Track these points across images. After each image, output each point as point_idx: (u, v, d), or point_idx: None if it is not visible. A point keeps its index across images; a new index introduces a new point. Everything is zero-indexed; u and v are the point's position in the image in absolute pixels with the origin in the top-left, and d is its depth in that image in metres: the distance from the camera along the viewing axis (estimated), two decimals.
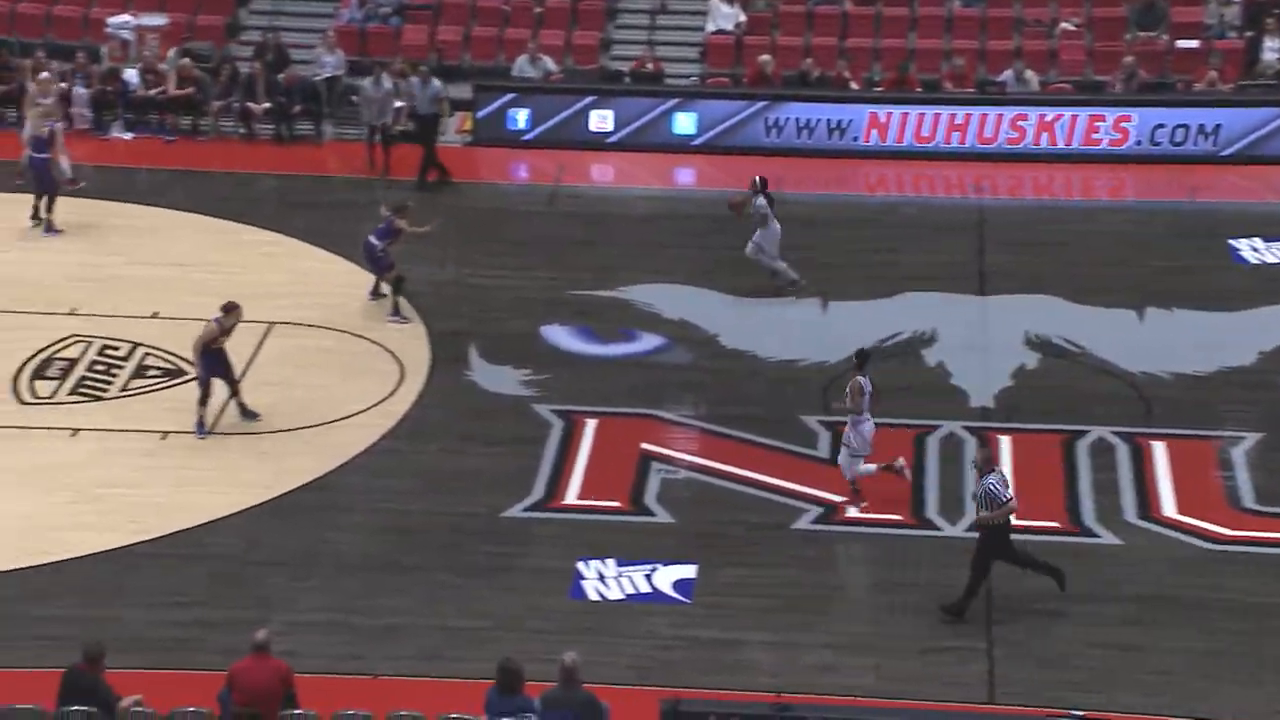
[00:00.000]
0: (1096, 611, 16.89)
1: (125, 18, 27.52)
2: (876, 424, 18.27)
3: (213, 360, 19.05)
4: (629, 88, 27.75)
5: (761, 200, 22.32)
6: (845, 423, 18.38)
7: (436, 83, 25.47)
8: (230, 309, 19.04)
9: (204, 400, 19.13)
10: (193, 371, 19.72)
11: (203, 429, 19.15)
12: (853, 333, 21.55)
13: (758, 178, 22.55)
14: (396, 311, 21.64)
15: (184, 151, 26.13)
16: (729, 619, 16.92)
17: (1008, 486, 16.59)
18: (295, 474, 18.77)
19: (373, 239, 21.57)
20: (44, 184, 23.35)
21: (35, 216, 23.42)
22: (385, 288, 21.83)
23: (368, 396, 20.10)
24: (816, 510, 18.48)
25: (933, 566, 17.54)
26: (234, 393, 19.33)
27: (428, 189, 25.16)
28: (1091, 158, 26.78)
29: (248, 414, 19.42)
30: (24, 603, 16.62)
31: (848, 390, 18.31)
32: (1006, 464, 18.79)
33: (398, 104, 25.53)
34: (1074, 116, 26.81)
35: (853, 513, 18.37)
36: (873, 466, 18.43)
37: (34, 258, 22.67)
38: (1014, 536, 16.70)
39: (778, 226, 22.43)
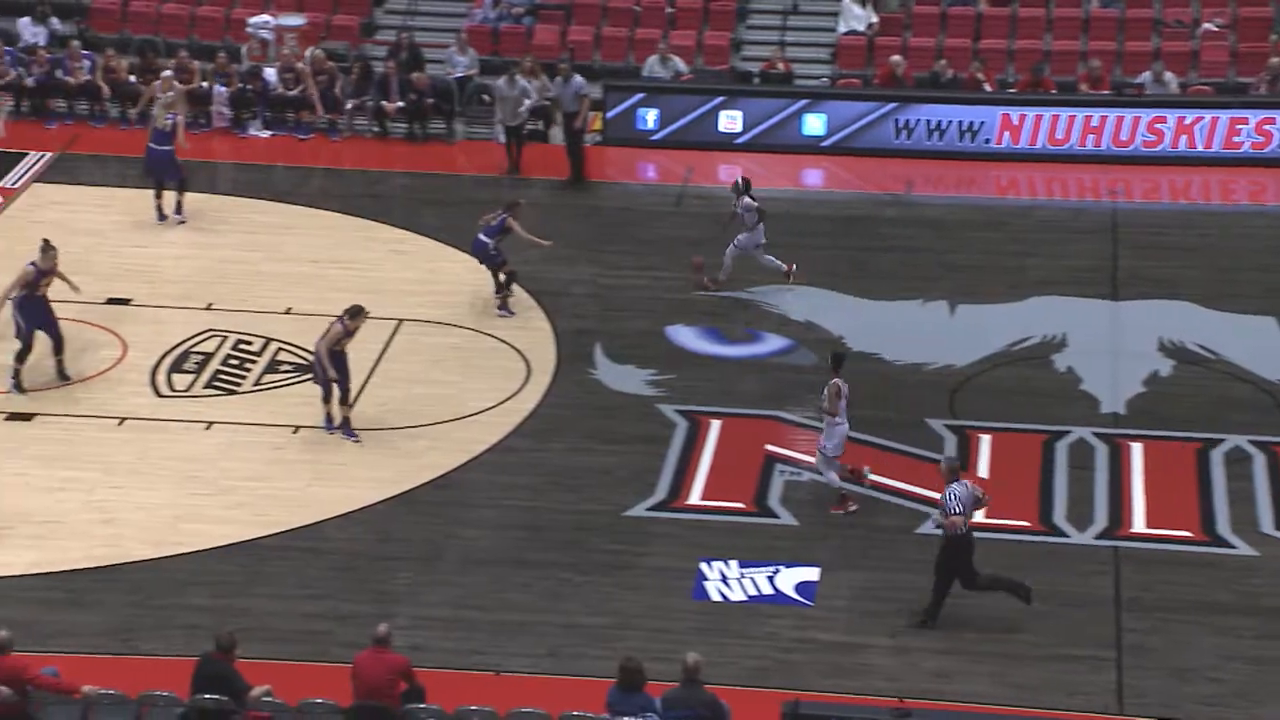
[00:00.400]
0: (1232, 624, 16.60)
1: (265, 18, 27.97)
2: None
3: (337, 361, 19.25)
4: (759, 88, 27.72)
5: (747, 200, 22.09)
6: (974, 427, 18.24)
7: (578, 79, 25.58)
8: (356, 312, 19.25)
9: (327, 399, 19.38)
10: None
11: (331, 424, 19.41)
12: (981, 336, 21.39)
13: (740, 178, 22.40)
14: (504, 306, 21.76)
15: (318, 149, 26.51)
16: (851, 622, 16.87)
17: (962, 501, 16.32)
18: (422, 470, 18.98)
19: (483, 236, 21.72)
20: (170, 174, 23.78)
21: (161, 211, 23.80)
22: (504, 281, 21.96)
23: (494, 394, 20.27)
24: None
25: (1059, 573, 17.36)
26: (344, 398, 19.43)
27: (567, 188, 25.25)
28: (1232, 161, 26.29)
29: (349, 432, 19.48)
30: (160, 592, 16.97)
31: (825, 392, 18.25)
32: (1139, 472, 18.57)
33: (527, 102, 25.67)
34: (1214, 119, 26.35)
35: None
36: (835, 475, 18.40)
37: (173, 252, 23.11)
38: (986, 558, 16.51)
39: (762, 229, 22.24)
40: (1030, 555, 17.76)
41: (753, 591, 17.36)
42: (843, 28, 29.01)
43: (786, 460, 19.37)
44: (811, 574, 17.51)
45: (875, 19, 28.93)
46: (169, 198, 23.88)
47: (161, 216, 23.77)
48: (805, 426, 19.99)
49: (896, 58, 27.70)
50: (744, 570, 17.62)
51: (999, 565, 17.64)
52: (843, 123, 26.87)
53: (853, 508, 18.35)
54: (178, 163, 23.82)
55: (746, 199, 22.26)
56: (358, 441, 19.31)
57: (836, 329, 21.95)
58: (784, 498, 18.76)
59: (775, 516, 18.49)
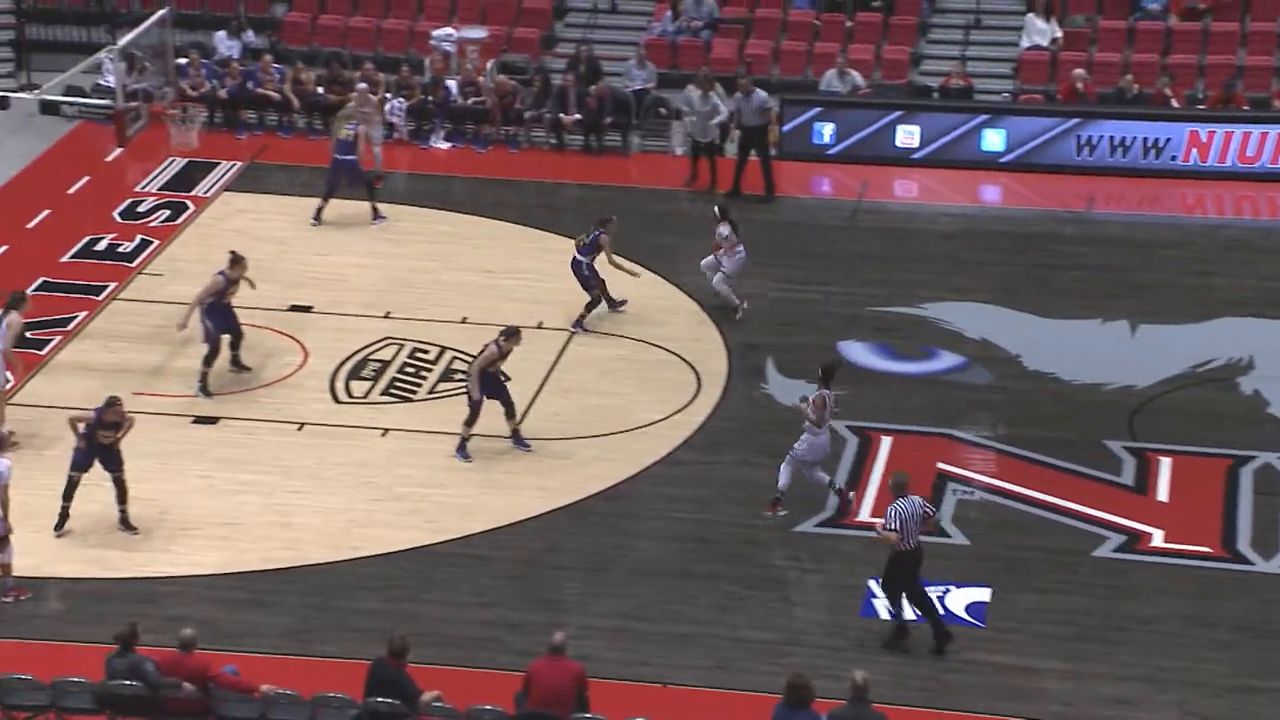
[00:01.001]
0: None
1: (448, 30, 28.36)
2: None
3: (489, 382, 19.38)
4: (937, 103, 27.46)
5: (726, 228, 21.66)
6: (1154, 450, 17.87)
7: (761, 94, 25.53)
8: (511, 334, 19.38)
9: (471, 421, 19.35)
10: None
11: (464, 451, 19.39)
12: (1164, 357, 20.94)
13: (718, 206, 21.96)
14: (580, 322, 21.76)
15: (496, 161, 26.82)
16: (1022, 645, 16.62)
17: (902, 518, 16.04)
18: (593, 480, 19.08)
19: (578, 254, 21.73)
20: (351, 181, 24.20)
21: (318, 217, 24.23)
22: (613, 302, 22.00)
23: (665, 406, 20.31)
24: (1119, 538, 18.00)
25: (1243, 601, 16.91)
26: (509, 413, 19.49)
27: (753, 201, 25.19)
28: None
29: (521, 442, 19.58)
30: (336, 595, 17.26)
31: (810, 401, 18.14)
32: None
33: (718, 118, 25.66)
34: None
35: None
36: (825, 476, 18.48)
37: (354, 261, 23.52)
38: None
39: (743, 253, 21.81)
40: (1213, 582, 17.34)
41: (923, 610, 17.16)
42: (1025, 42, 28.63)
43: (959, 479, 19.14)
44: (983, 594, 17.27)
45: (1059, 34, 28.51)
46: (355, 206, 24.29)
47: (317, 219, 24.23)
48: (980, 445, 19.76)
49: (1079, 71, 27.26)
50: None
51: (1180, 592, 17.27)
52: (1023, 138, 26.51)
53: (782, 513, 18.33)
54: (359, 170, 24.26)
55: (724, 227, 21.78)
56: (530, 450, 19.46)
57: (1012, 347, 21.64)
58: (956, 517, 18.53)
59: (947, 536, 18.27)
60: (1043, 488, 18.85)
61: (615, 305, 22.14)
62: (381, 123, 26.01)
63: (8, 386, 19.43)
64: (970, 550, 18.01)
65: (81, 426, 17.83)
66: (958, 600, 17.24)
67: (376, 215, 24.36)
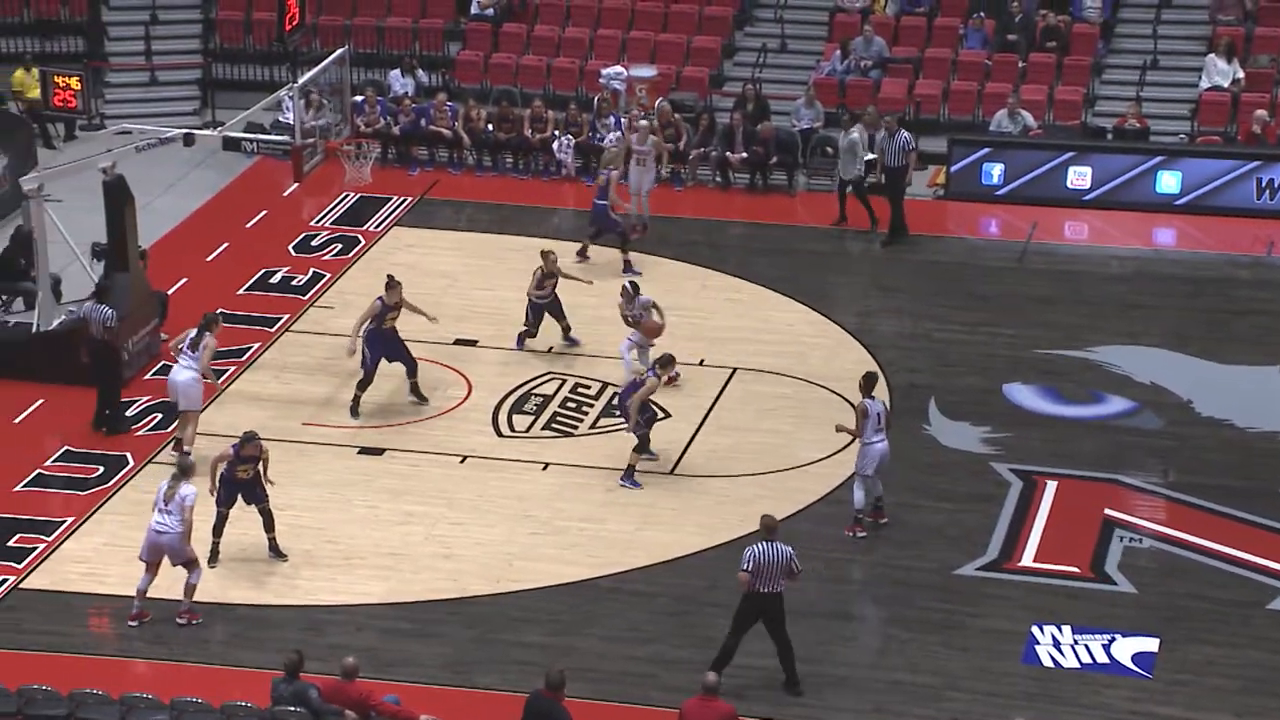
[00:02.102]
0: None
1: (618, 69, 28.60)
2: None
3: (646, 412, 19.56)
4: (1111, 144, 27.04)
5: (644, 300, 21.08)
6: None
7: (904, 134, 25.42)
8: (667, 363, 19.67)
9: (640, 448, 19.60)
10: (657, 413, 20.30)
11: (631, 479, 19.59)
12: None
13: (628, 283, 21.52)
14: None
15: (661, 197, 26.91)
16: (1192, 698, 16.28)
17: (756, 560, 15.98)
18: (752, 519, 18.97)
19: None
20: (606, 227, 24.16)
21: (583, 253, 24.37)
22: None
23: (825, 445, 20.21)
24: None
25: None
26: (639, 446, 19.65)
27: (893, 242, 25.15)
28: None
29: (647, 452, 19.80)
30: (496, 628, 17.40)
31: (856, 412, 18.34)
32: None
33: (869, 156, 25.59)
34: None
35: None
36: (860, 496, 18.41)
37: (518, 296, 23.65)
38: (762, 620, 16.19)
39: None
40: None
41: (1086, 659, 16.89)
42: (1205, 83, 28.10)
43: (1127, 526, 18.77)
44: (1150, 645, 16.93)
45: (1241, 74, 27.93)
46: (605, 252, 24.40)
47: (585, 259, 24.31)
48: (1149, 491, 19.38)
49: (1261, 113, 26.69)
50: (1078, 636, 17.16)
51: None
52: (1199, 181, 26.03)
53: (860, 534, 18.28)
54: (613, 217, 24.23)
55: (642, 300, 21.34)
56: (639, 488, 19.48)
57: (1184, 392, 21.22)
58: (1123, 564, 18.20)
59: (1113, 583, 17.96)
60: (1215, 537, 18.44)
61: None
62: (655, 166, 25.65)
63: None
64: (1137, 599, 17.67)
65: (222, 466, 18.21)
66: (1123, 649, 16.92)
67: (627, 267, 23.99)
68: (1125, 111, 27.47)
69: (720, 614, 17.57)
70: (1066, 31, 29.17)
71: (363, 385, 20.82)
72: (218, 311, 20.87)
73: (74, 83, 23.21)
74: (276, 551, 18.40)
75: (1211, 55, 28.21)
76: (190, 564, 17.35)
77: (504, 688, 16.29)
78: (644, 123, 25.69)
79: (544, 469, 20.00)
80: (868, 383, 18.56)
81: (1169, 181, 26.18)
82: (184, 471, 17.53)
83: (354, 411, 20.82)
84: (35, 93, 26.79)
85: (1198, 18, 29.61)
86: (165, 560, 17.39)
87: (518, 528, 18.92)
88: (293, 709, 15.08)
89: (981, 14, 29.41)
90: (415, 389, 21.07)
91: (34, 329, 21.87)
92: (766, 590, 16.14)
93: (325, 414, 21.01)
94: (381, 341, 20.79)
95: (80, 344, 20.70)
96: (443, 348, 22.38)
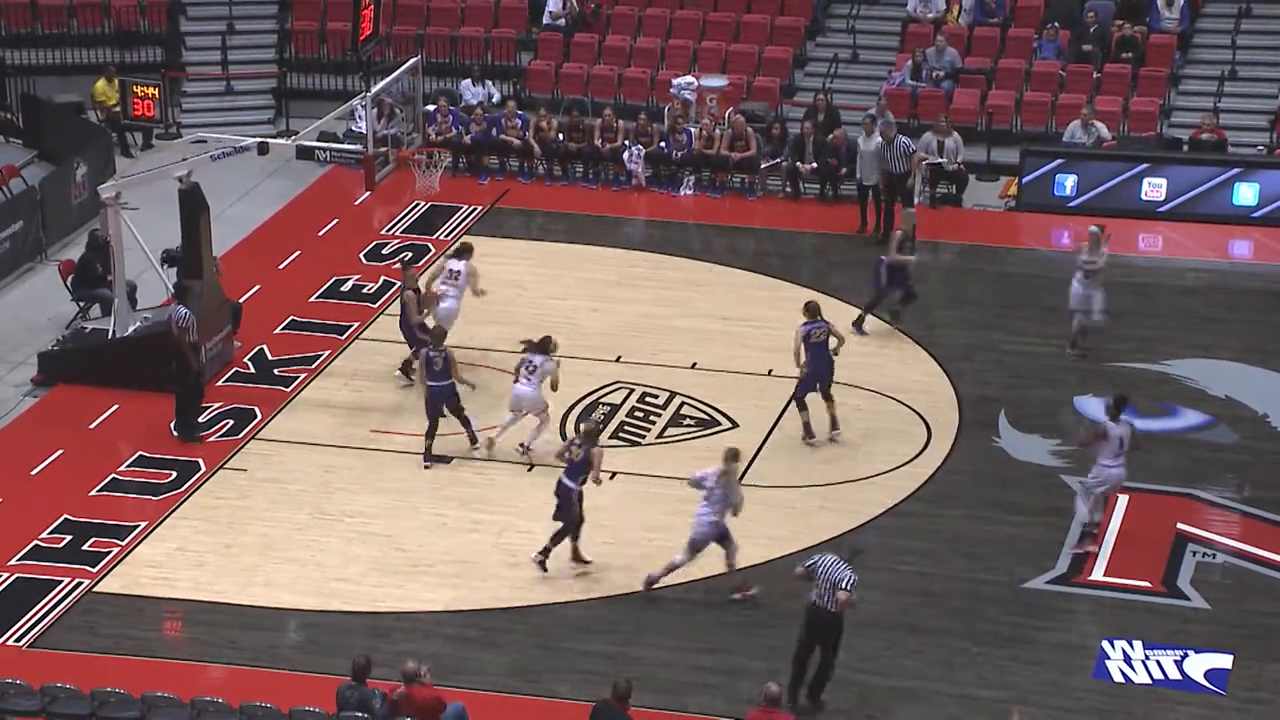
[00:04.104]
0: None
1: (689, 79, 28.61)
2: None
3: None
4: (1186, 156, 26.79)
5: (546, 362, 20.15)
6: None
7: (903, 139, 25.39)
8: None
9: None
10: (724, 424, 20.29)
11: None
12: None
13: (537, 341, 20.51)
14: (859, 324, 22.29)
15: (733, 208, 26.94)
16: (1269, 716, 16.11)
17: (815, 563, 16.09)
18: (818, 530, 18.97)
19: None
20: (893, 282, 22.81)
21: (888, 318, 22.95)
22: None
23: (894, 457, 20.11)
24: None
25: None
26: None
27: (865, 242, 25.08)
28: None
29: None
30: (561, 636, 17.43)
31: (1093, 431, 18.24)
32: None
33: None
34: None
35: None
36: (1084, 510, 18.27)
37: (589, 305, 23.80)
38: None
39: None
40: None
41: (1158, 675, 16.73)
42: None
43: (1200, 541, 18.56)
44: (1224, 661, 16.74)
45: None
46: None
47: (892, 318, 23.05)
48: (1223, 506, 19.16)
49: None
50: (1149, 652, 16.99)
51: None
52: (1278, 193, 25.70)
53: (1091, 548, 18.11)
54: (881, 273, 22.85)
55: (547, 361, 20.17)
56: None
57: (1259, 406, 21.00)
58: (1195, 579, 18.00)
59: (1185, 598, 17.77)
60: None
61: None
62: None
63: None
64: (1211, 615, 17.47)
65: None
66: (1196, 666, 16.74)
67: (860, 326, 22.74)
68: (1200, 123, 27.21)
69: (786, 624, 17.52)
70: (1142, 42, 28.93)
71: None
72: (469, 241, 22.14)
73: (152, 92, 23.49)
74: None
75: None
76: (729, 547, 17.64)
77: (570, 696, 16.30)
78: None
79: (611, 478, 20.00)
80: (1117, 405, 18.37)
81: (1246, 193, 25.91)
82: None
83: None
84: (115, 101, 27.13)
85: (1278, 28, 29.28)
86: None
87: (586, 537, 18.92)
88: (359, 715, 15.16)
89: (1056, 24, 29.22)
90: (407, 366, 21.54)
91: (110, 335, 22.14)
92: (820, 602, 16.01)
93: (394, 421, 21.12)
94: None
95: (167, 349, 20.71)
96: (512, 356, 22.42)
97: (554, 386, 20.07)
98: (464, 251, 22.11)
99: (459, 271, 21.88)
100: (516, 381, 20.18)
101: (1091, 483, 18.37)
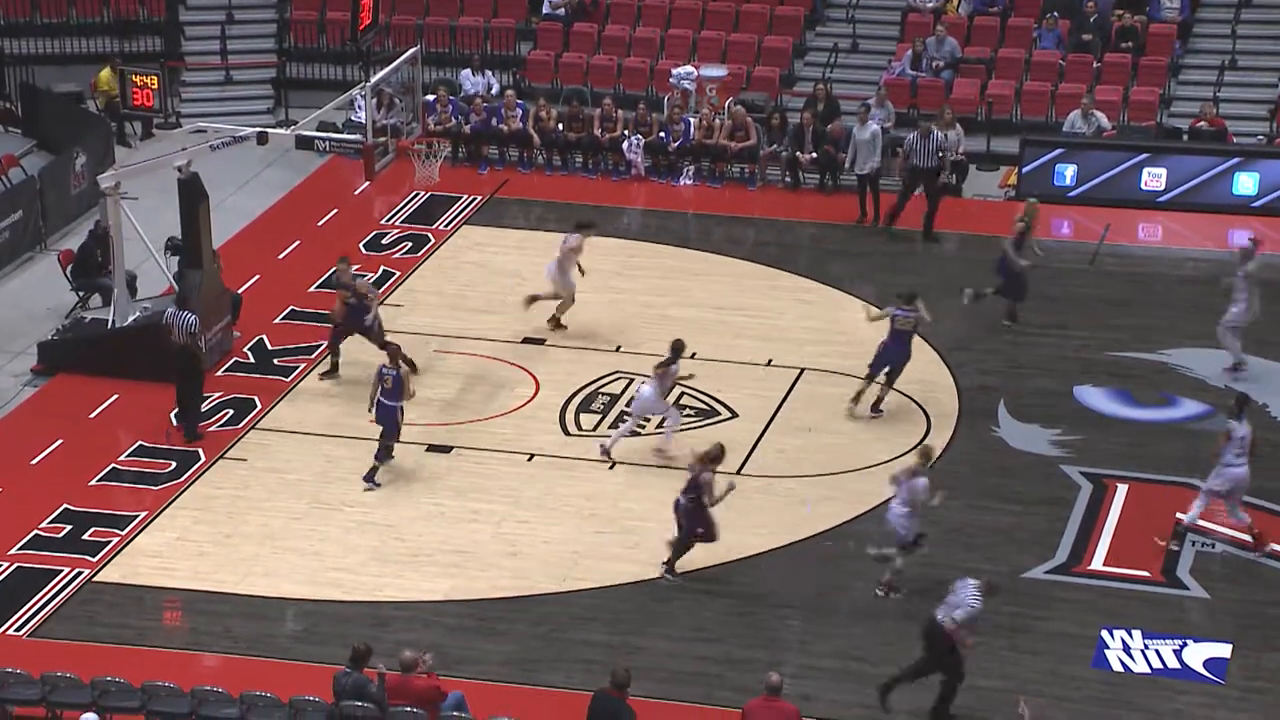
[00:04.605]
0: None
1: (688, 69, 28.58)
2: None
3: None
4: (1187, 145, 26.77)
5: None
6: None
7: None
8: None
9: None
10: (724, 413, 20.29)
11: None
12: None
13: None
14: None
15: (732, 198, 26.92)
16: (1267, 706, 16.13)
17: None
18: (819, 519, 18.99)
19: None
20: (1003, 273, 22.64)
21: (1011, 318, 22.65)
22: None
23: (892, 447, 20.11)
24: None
25: None
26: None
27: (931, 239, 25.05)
28: None
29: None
30: (560, 626, 17.44)
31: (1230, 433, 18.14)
32: None
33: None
34: None
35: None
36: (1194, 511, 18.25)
37: (587, 296, 23.72)
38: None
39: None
40: None
41: (1157, 664, 16.75)
42: None
43: (1200, 530, 18.57)
44: (1223, 650, 16.75)
45: None
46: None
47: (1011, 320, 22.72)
48: (1221, 495, 19.14)
49: None
50: (1148, 641, 17.01)
51: None
52: (1277, 183, 25.69)
53: (1269, 548, 18.07)
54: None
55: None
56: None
57: (1260, 396, 20.97)
58: (1195, 569, 18.00)
59: (1185, 588, 17.78)
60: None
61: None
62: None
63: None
64: (1209, 604, 17.49)
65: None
66: (1195, 655, 16.76)
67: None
68: (1200, 112, 27.19)
69: (786, 614, 17.56)
70: (1142, 31, 28.90)
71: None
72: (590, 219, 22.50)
73: (151, 82, 23.48)
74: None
75: None
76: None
77: (569, 686, 16.32)
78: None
79: (610, 468, 20.02)
80: (1239, 405, 18.39)
81: (1246, 183, 25.89)
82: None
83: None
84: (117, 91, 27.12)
85: (1278, 17, 29.26)
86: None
87: (584, 526, 18.95)
88: (359, 704, 15.18)
89: (1056, 14, 29.19)
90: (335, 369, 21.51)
91: (110, 325, 22.13)
92: (938, 617, 15.92)
93: None
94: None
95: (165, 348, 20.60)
96: (511, 346, 22.46)
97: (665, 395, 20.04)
98: (583, 226, 22.35)
99: (568, 244, 22.10)
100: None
101: (1217, 484, 18.19)
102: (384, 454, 19.54)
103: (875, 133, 25.64)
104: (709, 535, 17.95)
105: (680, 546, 18.03)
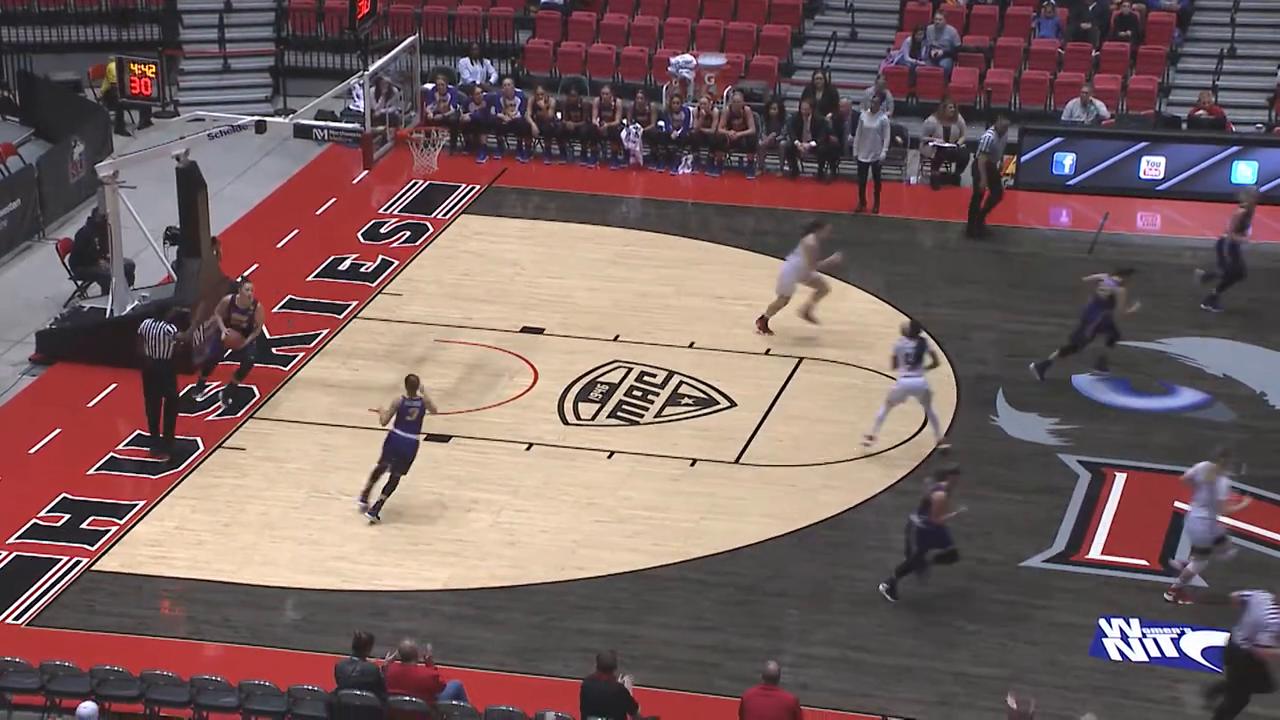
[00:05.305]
0: None
1: (687, 57, 28.53)
2: None
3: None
4: (1185, 134, 26.75)
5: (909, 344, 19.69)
6: None
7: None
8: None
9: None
10: (722, 402, 20.27)
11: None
12: None
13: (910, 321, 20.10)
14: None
15: (732, 187, 26.89)
16: (1265, 694, 16.02)
17: None
18: (818, 508, 19.00)
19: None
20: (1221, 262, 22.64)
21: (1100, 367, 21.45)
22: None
23: (892, 435, 20.11)
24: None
25: None
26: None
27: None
28: None
29: None
30: (559, 615, 17.44)
31: None
32: None
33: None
34: None
35: None
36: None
37: (586, 285, 23.78)
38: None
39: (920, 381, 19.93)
40: None
41: (1155, 653, 16.76)
42: None
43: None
44: (1220, 639, 16.72)
45: None
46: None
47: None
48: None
49: None
50: (1146, 630, 17.02)
51: None
52: (1277, 170, 25.73)
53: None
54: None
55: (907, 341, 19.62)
56: None
57: (1256, 384, 21.00)
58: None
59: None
60: None
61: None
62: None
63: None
64: (1208, 593, 17.46)
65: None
66: (1193, 643, 16.76)
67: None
68: (1199, 101, 27.15)
69: (784, 603, 17.58)
70: (1141, 20, 28.88)
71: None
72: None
73: (149, 70, 23.40)
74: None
75: None
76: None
77: (568, 674, 16.31)
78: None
79: (609, 457, 20.01)
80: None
81: (1245, 171, 25.87)
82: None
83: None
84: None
85: (1277, 5, 29.23)
86: None
87: (582, 515, 18.95)
88: (358, 692, 15.18)
89: (1054, 2, 29.16)
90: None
91: (108, 314, 22.12)
92: (1235, 639, 15.59)
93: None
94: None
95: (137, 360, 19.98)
96: (510, 335, 22.46)
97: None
98: (814, 227, 22.01)
99: (807, 244, 21.79)
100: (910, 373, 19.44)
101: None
102: (393, 488, 18.82)
103: (884, 122, 25.64)
104: (950, 556, 17.23)
105: (908, 568, 17.35)
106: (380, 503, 18.82)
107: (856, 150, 25.87)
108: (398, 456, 18.69)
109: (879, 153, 25.67)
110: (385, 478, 18.76)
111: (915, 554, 17.27)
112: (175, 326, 19.91)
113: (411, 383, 18.84)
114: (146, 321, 20.03)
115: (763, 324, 22.15)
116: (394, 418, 18.67)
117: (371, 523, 18.77)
